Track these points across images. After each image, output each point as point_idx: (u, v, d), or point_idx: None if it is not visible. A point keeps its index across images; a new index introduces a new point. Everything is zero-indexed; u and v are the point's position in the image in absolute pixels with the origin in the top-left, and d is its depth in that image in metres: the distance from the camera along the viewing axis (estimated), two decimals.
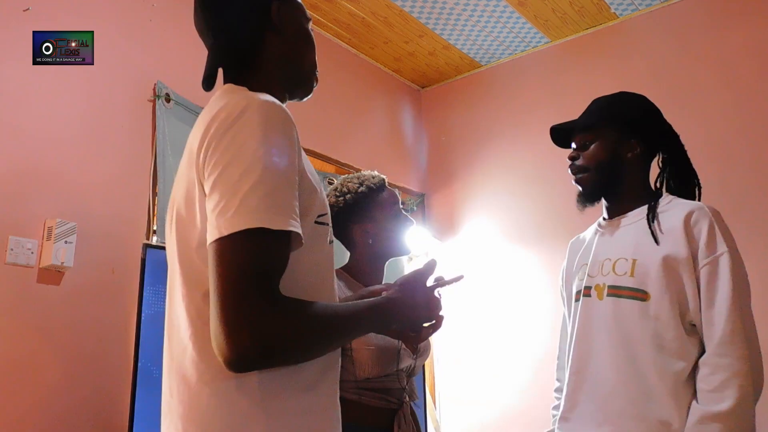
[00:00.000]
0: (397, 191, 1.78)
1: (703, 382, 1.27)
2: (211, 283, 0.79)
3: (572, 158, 1.54)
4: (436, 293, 1.03)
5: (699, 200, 1.52)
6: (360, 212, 1.65)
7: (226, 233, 0.78)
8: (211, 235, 0.80)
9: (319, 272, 0.94)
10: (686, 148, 1.55)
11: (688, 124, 2.95)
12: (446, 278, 1.11)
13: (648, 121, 1.52)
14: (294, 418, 0.86)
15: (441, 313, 1.02)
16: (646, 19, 3.22)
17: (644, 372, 1.33)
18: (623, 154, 1.49)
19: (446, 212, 3.77)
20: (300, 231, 0.82)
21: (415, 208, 3.79)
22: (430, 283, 1.05)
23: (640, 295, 1.37)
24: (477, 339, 3.39)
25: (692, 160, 1.55)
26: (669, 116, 1.57)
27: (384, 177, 1.74)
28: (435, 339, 3.36)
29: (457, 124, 3.85)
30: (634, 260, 1.40)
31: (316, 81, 1.11)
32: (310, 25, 1.11)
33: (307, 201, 0.89)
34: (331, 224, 0.98)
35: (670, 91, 3.00)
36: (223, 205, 0.80)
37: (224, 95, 0.95)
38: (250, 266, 0.78)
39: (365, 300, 0.97)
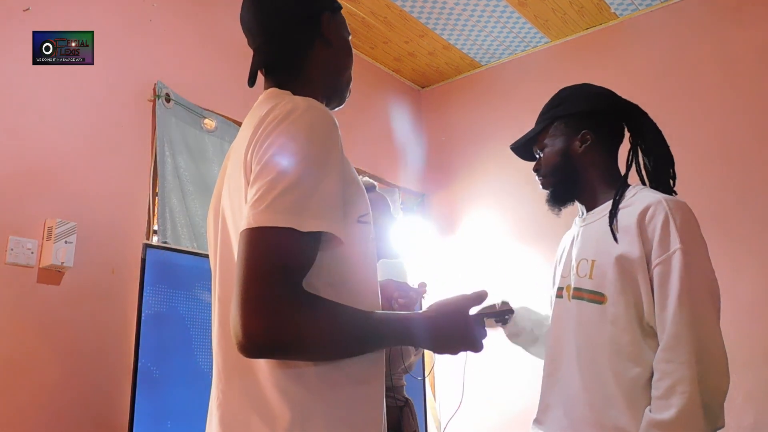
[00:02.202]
0: (398, 192, 1.83)
1: (653, 388, 1.23)
2: (237, 269, 0.81)
3: (535, 170, 1.52)
4: (478, 322, 0.97)
5: (673, 174, 1.43)
6: None
7: (254, 225, 0.81)
8: (243, 225, 0.83)
9: (366, 267, 0.96)
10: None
11: (689, 123, 2.97)
12: (492, 309, 0.99)
13: (593, 107, 1.46)
14: (351, 408, 0.88)
15: (479, 346, 0.96)
16: (646, 19, 3.22)
17: (604, 377, 1.30)
18: (574, 150, 1.45)
19: (446, 212, 3.77)
20: (335, 231, 0.84)
21: (415, 207, 3.79)
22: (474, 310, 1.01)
23: (597, 297, 1.33)
24: None
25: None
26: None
27: (375, 183, 1.80)
28: None
29: (456, 124, 3.85)
30: (593, 261, 1.36)
31: (348, 93, 1.14)
32: (351, 40, 1.13)
33: (350, 202, 0.92)
34: (372, 222, 1.00)
35: (670, 91, 3.00)
36: (257, 198, 0.82)
37: (270, 99, 0.98)
38: (273, 261, 0.80)
39: (399, 312, 0.98)
